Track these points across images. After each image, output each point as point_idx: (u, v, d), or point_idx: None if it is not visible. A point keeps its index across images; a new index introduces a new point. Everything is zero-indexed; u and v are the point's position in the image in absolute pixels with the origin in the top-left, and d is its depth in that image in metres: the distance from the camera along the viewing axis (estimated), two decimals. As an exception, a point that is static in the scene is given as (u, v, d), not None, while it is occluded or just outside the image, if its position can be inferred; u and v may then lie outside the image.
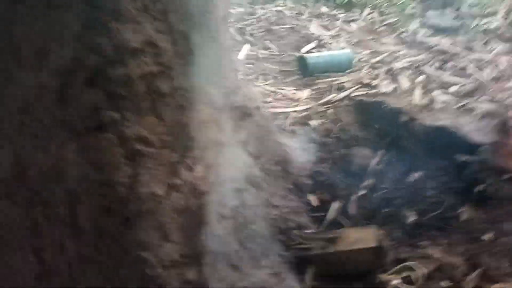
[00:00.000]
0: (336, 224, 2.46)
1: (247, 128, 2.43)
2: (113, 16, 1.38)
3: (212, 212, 1.76)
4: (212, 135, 2.07)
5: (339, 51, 3.96)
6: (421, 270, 2.07)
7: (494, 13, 4.68)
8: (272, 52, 4.23)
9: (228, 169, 2.17)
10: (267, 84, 3.54)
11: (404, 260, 2.15)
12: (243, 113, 2.43)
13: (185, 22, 1.67)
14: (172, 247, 1.58)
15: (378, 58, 3.95)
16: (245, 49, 4.20)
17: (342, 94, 3.24)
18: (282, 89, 3.46)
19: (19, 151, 1.45)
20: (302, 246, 2.25)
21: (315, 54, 3.87)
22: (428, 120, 2.66)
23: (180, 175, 1.65)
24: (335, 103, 3.13)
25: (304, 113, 3.04)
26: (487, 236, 2.16)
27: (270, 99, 3.29)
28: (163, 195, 1.53)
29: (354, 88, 3.28)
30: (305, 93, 3.40)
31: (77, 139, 1.40)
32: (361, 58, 3.95)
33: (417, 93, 3.27)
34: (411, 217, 2.32)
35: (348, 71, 3.71)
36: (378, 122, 2.82)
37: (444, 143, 2.58)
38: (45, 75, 1.40)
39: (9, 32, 1.36)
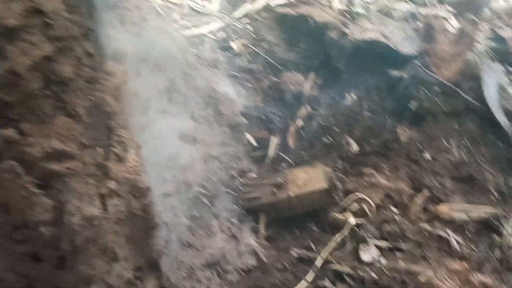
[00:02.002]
0: (277, 162, 2.31)
1: (167, 73, 2.00)
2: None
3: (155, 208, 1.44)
4: (130, 101, 1.65)
5: None
6: (370, 200, 2.06)
7: None
8: None
9: (159, 135, 1.81)
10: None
11: (352, 191, 2.12)
12: (159, 57, 1.97)
13: None
14: (123, 265, 1.28)
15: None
16: None
17: (258, 4, 2.82)
18: (187, -1, 2.91)
19: None
20: (251, 196, 2.09)
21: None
22: (356, 33, 2.45)
23: (113, 174, 1.27)
24: (253, 16, 2.73)
25: (221, 34, 2.62)
26: (426, 156, 2.19)
27: (176, 15, 2.75)
28: (100, 212, 1.17)
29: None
30: (215, 4, 2.90)
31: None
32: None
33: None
34: (353, 146, 2.24)
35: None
36: (305, 40, 2.53)
37: (374, 58, 2.44)
38: None
39: None
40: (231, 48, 2.54)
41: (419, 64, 2.42)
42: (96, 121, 1.23)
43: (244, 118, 2.29)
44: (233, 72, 2.42)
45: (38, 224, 1.02)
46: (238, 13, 2.82)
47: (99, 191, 1.19)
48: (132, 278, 1.30)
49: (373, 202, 2.06)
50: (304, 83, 2.47)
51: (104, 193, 1.21)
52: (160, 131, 1.77)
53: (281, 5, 2.78)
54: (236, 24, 2.71)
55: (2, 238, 1.02)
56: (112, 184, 1.25)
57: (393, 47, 2.46)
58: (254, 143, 2.32)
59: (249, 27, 2.68)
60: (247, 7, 2.84)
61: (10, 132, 0.93)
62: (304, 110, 2.44)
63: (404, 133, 2.29)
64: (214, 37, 2.59)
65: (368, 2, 2.97)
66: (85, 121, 1.13)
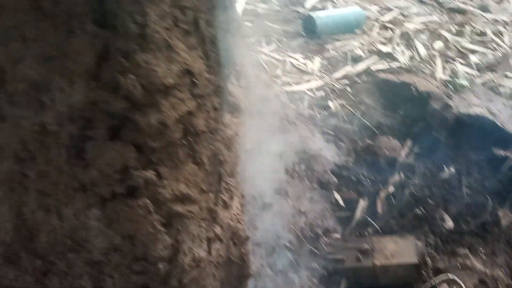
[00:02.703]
0: (364, 226, 2.28)
1: (267, 126, 2.12)
2: (139, 43, 0.99)
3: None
4: (237, 148, 1.77)
5: (348, 8, 3.55)
6: (462, 284, 1.94)
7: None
8: (272, 7, 3.77)
9: (255, 183, 1.90)
10: (272, 51, 3.14)
11: (443, 271, 2.01)
12: (263, 110, 2.11)
13: (212, 21, 1.30)
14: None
15: (388, 17, 3.59)
16: (242, 2, 3.71)
17: (359, 67, 2.92)
18: (289, 56, 3.08)
19: (23, 209, 1.12)
20: (334, 257, 2.07)
21: (323, 13, 3.44)
22: (461, 106, 2.41)
23: (219, 220, 1.36)
24: (353, 79, 2.81)
25: (320, 92, 2.72)
26: (530, 245, 2.04)
27: (279, 71, 2.93)
28: (205, 255, 1.25)
29: (371, 61, 2.95)
30: (316, 63, 3.04)
31: (101, 206, 1.07)
32: (370, 15, 3.58)
33: (438, 64, 3.00)
34: (448, 223, 2.15)
35: (358, 30, 3.37)
36: (404, 107, 2.55)
37: (478, 134, 2.37)
38: (49, 118, 1.03)
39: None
40: (329, 107, 2.62)
41: (528, 146, 2.31)
42: (212, 168, 1.34)
43: (334, 177, 2.32)
44: (328, 131, 2.48)
45: (157, 259, 1.12)
46: (338, 74, 2.92)
47: (208, 234, 1.27)
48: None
49: (465, 286, 1.95)
50: (399, 150, 2.45)
51: (211, 237, 1.29)
52: (257, 181, 1.86)
53: (382, 70, 2.84)
54: (335, 84, 2.81)
55: (123, 266, 1.13)
56: (218, 229, 1.34)
57: (499, 125, 2.38)
58: (342, 203, 2.33)
59: (348, 88, 2.76)
60: (347, 69, 2.94)
61: (150, 174, 1.06)
62: (397, 177, 2.40)
63: (505, 216, 2.16)
64: (313, 95, 2.69)
65: (473, 75, 2.93)
66: (206, 169, 1.25)
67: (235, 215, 1.45)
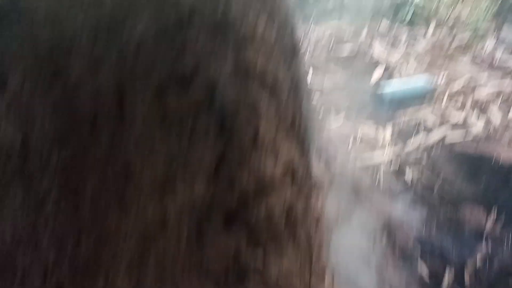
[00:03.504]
0: (453, 301, 2.22)
1: (347, 201, 2.22)
2: (251, 144, 1.18)
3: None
4: (324, 228, 1.88)
5: (414, 80, 3.67)
6: None
7: None
8: (337, 81, 3.98)
9: (342, 257, 1.97)
10: (341, 125, 3.30)
11: None
12: (342, 185, 2.22)
13: (306, 117, 1.48)
14: None
15: (457, 85, 3.64)
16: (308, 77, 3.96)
17: (432, 138, 2.97)
18: (360, 129, 3.21)
19: (142, 282, 1.29)
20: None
21: (390, 87, 3.58)
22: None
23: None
24: (427, 150, 2.86)
25: (394, 164, 2.79)
26: None
27: (350, 144, 3.05)
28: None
29: (443, 131, 3.00)
30: (387, 134, 3.14)
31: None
32: (437, 85, 3.66)
33: (515, 132, 2.97)
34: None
35: (427, 100, 3.45)
36: (486, 177, 2.54)
37: None
38: (171, 210, 1.22)
39: (125, 156, 1.19)
40: (404, 178, 2.67)
41: None
42: (306, 248, 1.46)
43: (417, 247, 2.32)
44: (407, 201, 2.51)
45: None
46: (411, 145, 2.99)
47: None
48: None
49: None
50: (484, 220, 2.42)
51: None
52: (343, 254, 1.93)
53: (457, 142, 2.87)
54: (409, 155, 2.87)
55: None
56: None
57: None
58: (426, 275, 2.29)
59: (423, 159, 2.80)
60: (419, 140, 3.00)
61: (259, 260, 1.20)
62: (485, 248, 2.35)
63: None
64: (387, 167, 2.76)
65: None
66: (302, 248, 1.37)
67: (328, 289, 1.54)
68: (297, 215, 1.31)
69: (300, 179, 1.33)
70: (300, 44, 1.57)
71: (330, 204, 2.13)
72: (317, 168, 2.15)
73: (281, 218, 1.24)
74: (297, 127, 1.38)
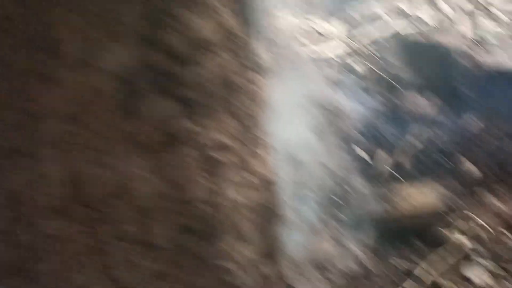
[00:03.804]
0: (390, 179, 2.34)
1: (293, 88, 2.17)
2: (182, 3, 1.05)
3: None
4: (265, 106, 1.83)
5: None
6: (484, 223, 2.02)
7: None
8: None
9: (281, 138, 1.98)
10: (291, 15, 3.12)
11: (466, 214, 2.09)
12: (289, 73, 2.15)
13: None
14: (250, 248, 1.45)
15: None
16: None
17: (383, 29, 2.89)
18: (309, 20, 3.06)
19: (72, 164, 1.22)
20: (359, 207, 2.16)
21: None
22: (489, 62, 2.40)
23: (251, 168, 1.45)
24: (377, 41, 2.80)
25: (346, 57, 2.73)
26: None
27: (301, 35, 2.93)
28: (243, 201, 1.35)
29: (395, 22, 2.92)
30: (337, 26, 3.02)
31: (147, 156, 1.16)
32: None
33: (466, 23, 2.94)
34: (472, 171, 2.21)
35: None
36: (432, 65, 2.55)
37: (506, 88, 2.37)
38: (97, 78, 1.11)
39: (45, 23, 1.04)
40: (354, 68, 2.64)
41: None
42: (244, 121, 1.41)
43: (359, 134, 2.37)
44: (354, 91, 2.51)
45: (198, 201, 1.22)
46: (363, 36, 2.90)
47: (241, 181, 1.37)
48: (256, 260, 1.47)
49: (486, 224, 2.02)
50: (427, 107, 2.48)
51: (244, 183, 1.39)
52: (282, 136, 1.93)
53: (409, 33, 2.81)
54: (359, 46, 2.80)
55: (169, 210, 1.24)
56: (251, 177, 1.43)
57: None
58: (367, 158, 2.39)
59: (373, 50, 2.76)
60: (371, 31, 2.92)
61: (191, 124, 1.14)
62: (422, 130, 2.44)
63: (528, 163, 2.19)
64: (337, 57, 2.70)
65: (501, 31, 2.88)
66: (239, 120, 1.32)
67: (265, 164, 1.54)
68: (232, 84, 1.24)
69: (239, 49, 1.23)
70: None
71: (276, 89, 2.08)
72: (263, 52, 2.05)
73: (215, 83, 1.16)
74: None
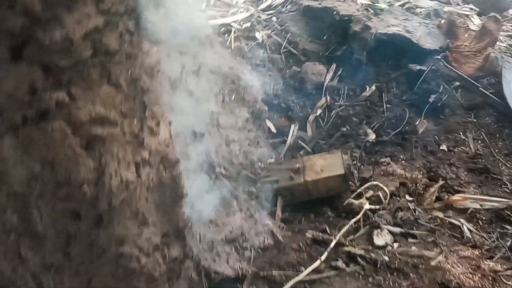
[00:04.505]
0: (296, 149, 2.38)
1: (194, 58, 2.09)
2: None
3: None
4: (162, 78, 1.75)
5: None
6: (386, 188, 2.12)
7: None
8: None
9: (185, 114, 1.90)
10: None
11: (368, 179, 2.18)
12: (188, 42, 2.06)
13: None
14: (152, 230, 1.37)
15: None
16: None
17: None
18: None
19: None
20: (269, 179, 2.16)
21: None
22: (379, 27, 2.50)
23: (146, 145, 1.37)
24: (278, 8, 2.81)
25: (246, 24, 2.70)
26: (443, 147, 2.24)
27: (204, 5, 2.85)
28: (134, 178, 1.27)
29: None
30: (240, -4, 3.00)
31: (14, 134, 1.03)
32: None
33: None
34: (371, 136, 2.31)
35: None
36: (328, 32, 2.60)
37: (396, 52, 2.49)
38: None
39: None
40: (255, 38, 2.62)
41: (440, 59, 2.47)
42: (133, 94, 1.32)
43: (265, 106, 2.37)
44: (256, 61, 2.50)
45: (81, 183, 1.11)
46: (263, 4, 2.90)
47: (134, 158, 1.28)
48: (159, 243, 1.40)
49: (388, 189, 2.12)
50: (325, 74, 2.54)
51: (138, 161, 1.30)
52: (186, 112, 1.86)
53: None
54: (261, 15, 2.80)
55: (47, 194, 1.12)
56: (146, 154, 1.34)
57: (415, 41, 2.51)
58: (274, 130, 2.40)
59: (273, 18, 2.76)
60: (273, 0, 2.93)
61: (62, 95, 1.03)
62: (324, 100, 2.50)
63: (421, 124, 2.34)
64: (239, 27, 2.67)
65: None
66: (125, 92, 1.23)
67: (163, 141, 1.46)
68: (109, 50, 1.14)
69: (110, 6, 1.12)
70: None
71: (173, 57, 2.00)
72: (156, 18, 1.94)
73: (84, 48, 1.05)
74: None
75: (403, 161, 2.23)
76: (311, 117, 2.47)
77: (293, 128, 2.45)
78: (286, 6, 2.81)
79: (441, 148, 2.24)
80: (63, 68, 1.02)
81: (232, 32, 2.60)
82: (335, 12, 2.56)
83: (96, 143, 1.14)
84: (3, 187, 1.11)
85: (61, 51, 1.00)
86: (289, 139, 2.42)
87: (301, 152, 2.34)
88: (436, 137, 2.27)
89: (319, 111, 2.47)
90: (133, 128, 1.30)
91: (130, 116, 1.29)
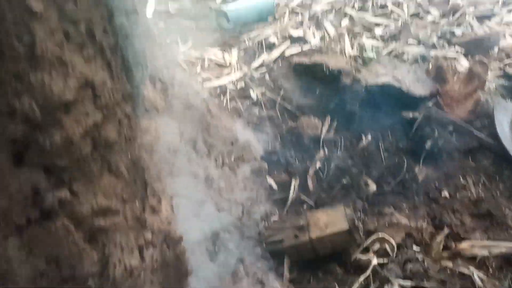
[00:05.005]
0: (299, 204, 2.39)
1: (192, 125, 2.15)
2: (30, 63, 0.98)
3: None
4: (161, 154, 1.79)
5: (256, -2, 3.63)
6: (392, 240, 2.11)
7: None
8: (184, 5, 3.76)
9: (186, 184, 1.93)
10: (189, 49, 3.15)
11: (373, 231, 2.17)
12: (184, 107, 2.13)
13: (111, 29, 1.30)
14: (158, 311, 1.36)
15: (297, 1, 3.72)
16: (152, 3, 3.66)
17: (274, 54, 3.01)
18: (207, 52, 3.11)
19: None
20: (274, 239, 2.16)
21: (234, 5, 3.49)
22: (369, 78, 2.58)
23: (149, 225, 1.38)
24: (270, 66, 2.90)
25: (241, 84, 2.78)
26: (445, 194, 2.24)
27: (198, 69, 2.95)
28: (138, 263, 1.27)
29: (285, 46, 3.06)
30: (233, 55, 3.10)
31: (19, 235, 1.05)
32: (280, 1, 3.69)
33: (346, 41, 3.17)
34: (372, 186, 2.32)
35: (270, 18, 3.47)
36: (320, 86, 2.68)
37: (388, 101, 2.55)
38: None
39: None
40: (250, 97, 2.69)
41: (432, 105, 2.52)
42: (134, 176, 1.35)
43: (265, 163, 2.40)
44: (253, 119, 2.55)
45: (86, 276, 1.12)
46: (256, 63, 3.00)
47: (138, 242, 1.29)
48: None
49: (395, 241, 2.11)
50: (320, 127, 2.58)
51: (141, 244, 1.31)
52: (187, 180, 1.89)
53: (295, 55, 2.95)
54: (254, 73, 2.88)
55: (53, 289, 1.13)
56: (148, 235, 1.36)
57: (405, 89, 2.57)
58: (275, 186, 2.42)
59: (266, 76, 2.84)
60: (263, 57, 3.02)
61: (64, 193, 1.05)
62: (322, 153, 2.53)
63: (421, 172, 2.36)
64: (234, 87, 2.75)
65: (378, 46, 3.13)
66: (126, 179, 1.26)
67: (165, 218, 1.48)
68: (108, 141, 1.17)
69: (107, 100, 1.17)
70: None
71: (171, 128, 2.04)
72: (152, 93, 2.00)
73: (84, 145, 1.09)
74: (97, 40, 1.19)
75: (407, 210, 2.23)
76: (311, 171, 2.49)
77: (294, 183, 2.46)
78: (278, 64, 2.90)
79: (442, 195, 2.24)
80: (64, 167, 1.05)
81: (228, 93, 2.67)
82: (324, 67, 2.63)
83: (99, 235, 1.15)
84: (9, 285, 1.12)
85: (62, 152, 1.04)
86: (291, 195, 2.42)
87: (304, 207, 2.34)
88: (436, 183, 2.28)
89: (318, 164, 2.49)
90: (135, 211, 1.32)
91: (132, 199, 1.31)
